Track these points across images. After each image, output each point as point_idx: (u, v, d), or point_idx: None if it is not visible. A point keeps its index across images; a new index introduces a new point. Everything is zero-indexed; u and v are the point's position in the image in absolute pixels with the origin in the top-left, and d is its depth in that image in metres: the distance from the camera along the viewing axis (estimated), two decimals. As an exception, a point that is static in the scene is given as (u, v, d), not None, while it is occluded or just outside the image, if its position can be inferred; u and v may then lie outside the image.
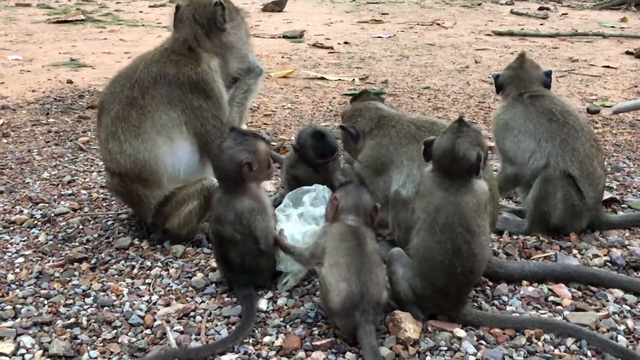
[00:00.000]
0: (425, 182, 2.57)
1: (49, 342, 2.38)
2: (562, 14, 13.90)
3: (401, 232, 2.81)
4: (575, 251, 3.18)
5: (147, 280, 2.84)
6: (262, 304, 2.66)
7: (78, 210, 3.54)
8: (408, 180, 2.87)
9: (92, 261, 3.00)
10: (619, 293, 2.79)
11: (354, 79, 7.25)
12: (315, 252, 2.54)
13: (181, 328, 2.48)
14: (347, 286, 2.35)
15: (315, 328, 2.49)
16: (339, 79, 7.23)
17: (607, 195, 3.81)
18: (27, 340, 2.39)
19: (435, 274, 2.45)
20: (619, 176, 4.30)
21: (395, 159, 2.97)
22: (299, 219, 2.86)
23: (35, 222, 3.39)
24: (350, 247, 2.46)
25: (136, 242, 3.19)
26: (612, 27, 11.95)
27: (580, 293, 2.80)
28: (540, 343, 2.44)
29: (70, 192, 3.80)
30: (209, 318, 2.56)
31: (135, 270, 2.93)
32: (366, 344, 2.29)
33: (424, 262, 2.48)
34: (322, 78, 7.21)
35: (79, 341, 2.41)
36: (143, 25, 11.08)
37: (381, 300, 2.40)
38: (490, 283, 2.85)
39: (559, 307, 2.69)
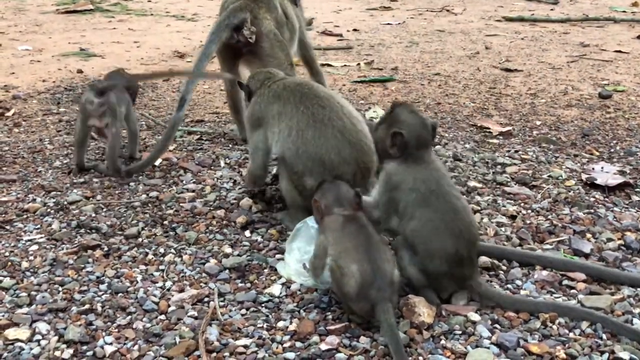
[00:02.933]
0: (396, 171, 2.64)
1: (64, 328, 2.39)
2: (573, -1, 13.79)
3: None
4: (589, 235, 3.17)
5: (161, 267, 2.85)
6: (275, 289, 2.66)
7: (91, 198, 3.55)
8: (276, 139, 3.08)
9: (106, 248, 3.01)
10: (633, 276, 2.78)
11: (359, 64, 7.23)
12: (319, 253, 2.55)
13: (195, 314, 2.49)
14: (359, 266, 2.36)
15: (329, 313, 2.49)
16: (345, 65, 7.21)
17: (620, 179, 3.80)
18: (42, 327, 2.41)
19: (445, 243, 2.49)
20: (632, 160, 4.29)
21: (266, 116, 3.17)
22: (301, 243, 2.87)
23: (48, 210, 3.40)
24: (352, 231, 2.50)
25: (149, 229, 3.20)
26: (624, 11, 11.84)
27: (594, 277, 2.80)
28: (555, 327, 2.43)
29: (82, 180, 3.80)
30: (223, 303, 2.57)
31: (148, 257, 2.94)
32: (384, 321, 2.28)
33: (430, 238, 2.51)
34: (329, 65, 7.19)
35: (94, 327, 2.42)
36: (152, 14, 11.07)
37: (394, 278, 2.39)
38: (504, 267, 2.84)
39: (573, 291, 2.69)
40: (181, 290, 2.66)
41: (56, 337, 2.35)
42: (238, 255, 2.93)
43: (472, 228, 2.58)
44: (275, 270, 2.81)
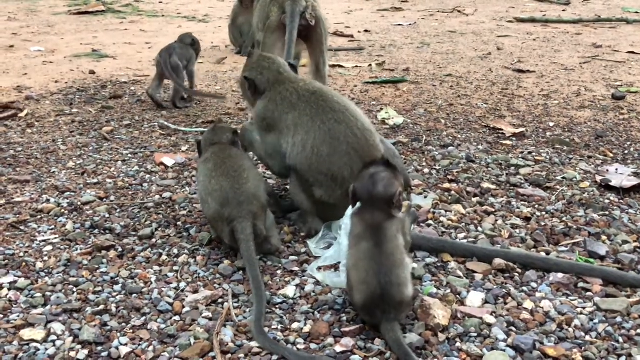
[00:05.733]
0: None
1: (79, 329, 2.39)
2: (585, 0, 13.73)
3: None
4: (604, 237, 3.15)
5: (175, 268, 2.85)
6: (290, 290, 2.66)
7: (104, 199, 3.56)
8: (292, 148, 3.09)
9: (120, 249, 3.01)
10: (649, 279, 2.76)
11: (370, 65, 7.22)
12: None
13: (210, 315, 2.49)
14: (367, 288, 2.35)
15: (344, 314, 2.48)
16: (356, 66, 7.20)
17: (635, 181, 3.77)
18: (57, 327, 2.41)
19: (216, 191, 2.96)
20: (647, 162, 4.26)
21: (279, 124, 3.16)
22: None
23: (62, 210, 3.41)
24: (368, 248, 2.39)
25: (163, 230, 3.20)
26: (636, 12, 11.79)
27: (610, 279, 2.78)
28: (571, 329, 2.42)
29: (95, 181, 3.82)
30: (238, 304, 2.56)
31: (162, 258, 2.93)
32: (389, 339, 2.28)
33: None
34: (340, 66, 7.19)
35: (108, 328, 2.42)
36: (163, 16, 11.10)
37: (404, 299, 2.35)
38: (519, 270, 2.83)
39: (589, 294, 2.67)
40: (195, 291, 2.66)
41: (71, 338, 2.35)
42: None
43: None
44: (290, 271, 2.81)
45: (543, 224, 3.28)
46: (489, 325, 2.42)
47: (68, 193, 3.63)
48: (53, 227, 3.24)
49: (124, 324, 2.44)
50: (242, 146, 3.30)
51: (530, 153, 4.38)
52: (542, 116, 5.34)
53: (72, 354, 2.27)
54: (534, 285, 2.72)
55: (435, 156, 4.24)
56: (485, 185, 3.74)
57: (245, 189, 2.89)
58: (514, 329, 2.41)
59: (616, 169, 4.04)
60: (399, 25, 10.40)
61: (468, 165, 4.05)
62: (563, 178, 3.91)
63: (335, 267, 2.79)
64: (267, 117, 3.20)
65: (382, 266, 2.35)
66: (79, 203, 3.48)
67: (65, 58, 7.43)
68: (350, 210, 2.63)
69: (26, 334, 2.36)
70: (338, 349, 2.28)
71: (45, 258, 2.93)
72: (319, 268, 2.80)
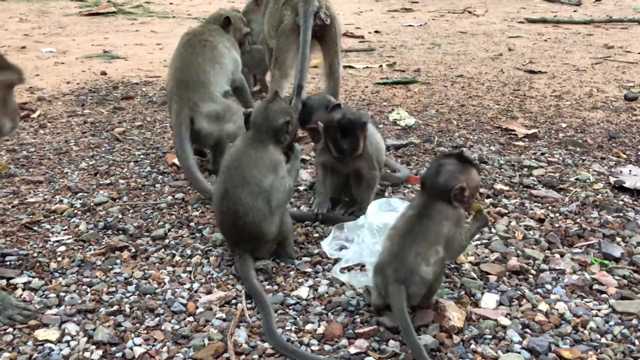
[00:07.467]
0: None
1: (94, 330, 2.39)
2: (596, 1, 13.66)
3: None
4: (618, 239, 3.13)
5: (188, 269, 2.85)
6: (303, 291, 2.66)
7: (117, 200, 3.56)
8: None
9: (133, 249, 3.01)
10: (665, 281, 2.74)
11: (381, 65, 7.21)
12: None
13: (223, 315, 2.49)
14: (388, 243, 2.42)
15: (357, 316, 2.48)
16: (367, 67, 7.19)
17: (647, 182, 3.75)
18: (71, 328, 2.41)
19: (214, 210, 2.97)
20: (661, 163, 4.23)
21: None
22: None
23: (75, 211, 3.42)
24: (409, 215, 2.47)
25: (175, 230, 3.20)
26: (648, 13, 11.72)
27: (625, 281, 2.76)
28: (586, 331, 2.40)
29: (108, 181, 3.82)
30: (251, 305, 2.56)
31: (175, 259, 2.94)
32: (394, 305, 2.29)
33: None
34: (351, 67, 7.18)
35: (122, 328, 2.42)
36: (173, 17, 11.12)
37: (420, 273, 2.34)
38: (533, 272, 2.81)
39: (604, 296, 2.65)
40: (209, 292, 2.66)
41: (85, 338, 2.35)
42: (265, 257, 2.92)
43: (236, 218, 2.80)
44: (303, 272, 2.81)
45: (557, 225, 3.26)
46: (504, 327, 2.41)
47: (81, 194, 3.64)
48: (66, 227, 3.25)
49: (137, 325, 2.45)
50: None
51: (543, 154, 4.36)
52: (555, 117, 5.32)
53: (87, 354, 2.28)
54: (548, 287, 2.71)
55: (447, 157, 4.22)
56: (498, 186, 3.73)
57: (243, 230, 2.81)
58: (529, 331, 2.40)
59: (630, 170, 4.02)
60: (410, 26, 10.38)
61: (481, 166, 4.04)
62: (576, 179, 3.89)
63: (362, 267, 2.77)
64: None
65: (409, 233, 2.40)
66: (92, 204, 3.49)
67: (76, 59, 7.45)
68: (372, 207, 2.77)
69: (40, 334, 2.37)
70: (352, 350, 2.28)
71: (59, 258, 2.94)
72: (342, 270, 2.78)
